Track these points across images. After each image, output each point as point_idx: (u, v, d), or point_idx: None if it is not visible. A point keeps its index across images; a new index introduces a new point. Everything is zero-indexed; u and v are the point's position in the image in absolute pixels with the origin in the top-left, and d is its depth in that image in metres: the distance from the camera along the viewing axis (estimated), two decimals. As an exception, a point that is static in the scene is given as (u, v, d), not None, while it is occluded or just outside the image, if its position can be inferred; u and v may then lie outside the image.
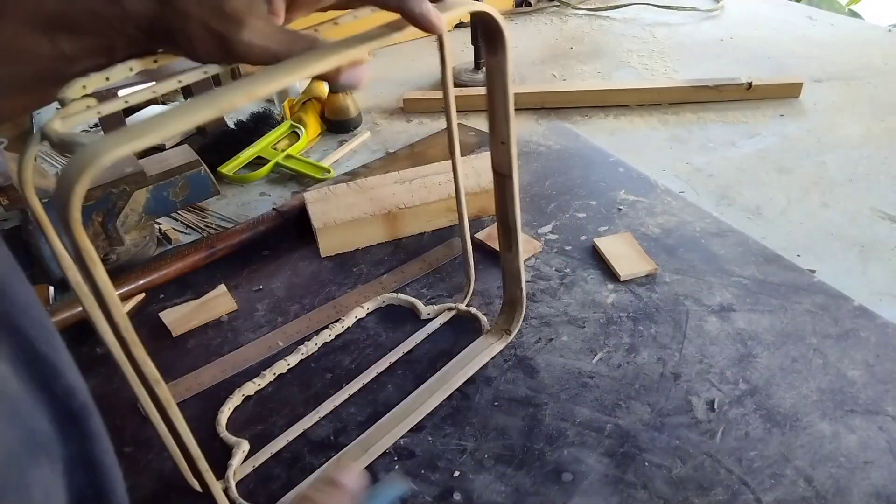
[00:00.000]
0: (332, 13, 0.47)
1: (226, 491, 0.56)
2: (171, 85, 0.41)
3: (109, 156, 0.30)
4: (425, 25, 0.41)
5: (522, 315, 0.69)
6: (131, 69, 0.40)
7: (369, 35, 0.41)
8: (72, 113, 0.37)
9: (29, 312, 0.34)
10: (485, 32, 0.52)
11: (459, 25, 1.68)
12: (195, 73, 0.42)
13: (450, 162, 0.66)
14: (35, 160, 0.98)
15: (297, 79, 0.38)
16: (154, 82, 0.42)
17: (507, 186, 0.61)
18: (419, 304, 0.73)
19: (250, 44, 0.39)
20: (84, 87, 0.38)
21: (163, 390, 0.39)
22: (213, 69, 0.42)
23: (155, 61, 0.41)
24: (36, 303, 0.35)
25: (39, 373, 0.34)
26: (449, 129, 0.63)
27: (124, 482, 0.40)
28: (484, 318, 0.70)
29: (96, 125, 1.26)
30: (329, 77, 0.42)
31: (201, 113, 0.34)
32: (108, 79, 0.39)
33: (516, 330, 0.68)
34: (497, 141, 0.58)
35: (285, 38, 0.40)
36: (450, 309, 0.72)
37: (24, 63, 0.38)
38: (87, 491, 0.36)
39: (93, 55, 0.38)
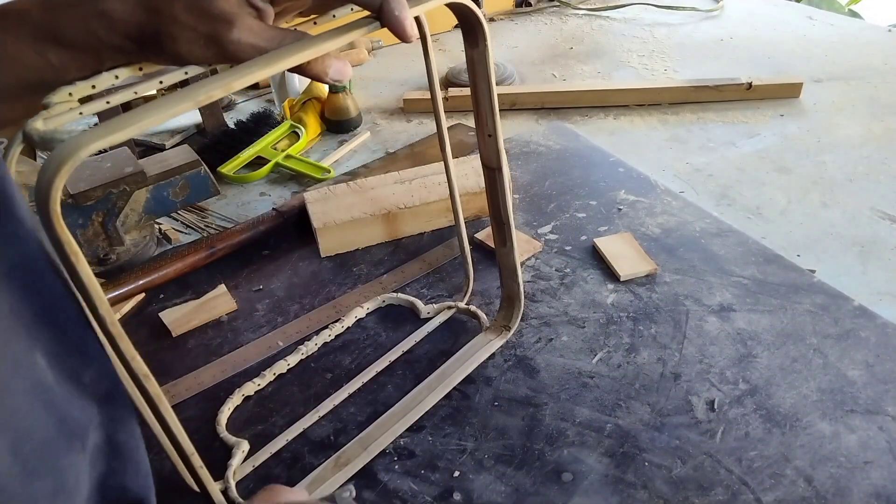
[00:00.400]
0: (313, 16, 0.48)
1: (225, 491, 0.56)
2: (153, 85, 0.42)
3: (88, 149, 0.31)
4: (398, 31, 0.41)
5: (521, 311, 0.69)
6: (117, 77, 0.40)
7: (348, 27, 0.41)
8: (54, 114, 0.38)
9: (66, 305, 0.35)
10: (463, 25, 0.51)
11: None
12: (176, 74, 0.42)
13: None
14: (34, 160, 0.98)
15: (275, 71, 0.38)
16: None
17: (497, 179, 0.61)
18: (419, 303, 0.73)
19: (240, 42, 0.39)
20: (70, 94, 0.39)
21: (152, 385, 0.39)
22: (193, 70, 0.42)
23: (140, 69, 0.41)
24: (71, 294, 0.35)
25: (71, 363, 0.35)
26: (438, 127, 0.63)
27: (149, 463, 0.40)
28: (484, 316, 0.70)
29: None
30: (317, 74, 0.42)
31: (179, 106, 0.34)
32: (94, 87, 0.40)
33: (515, 326, 0.68)
34: (484, 134, 0.58)
35: (274, 34, 0.40)
36: (449, 307, 0.72)
37: (12, 73, 0.39)
38: (108, 480, 0.37)
39: (80, 65, 0.39)
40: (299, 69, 0.41)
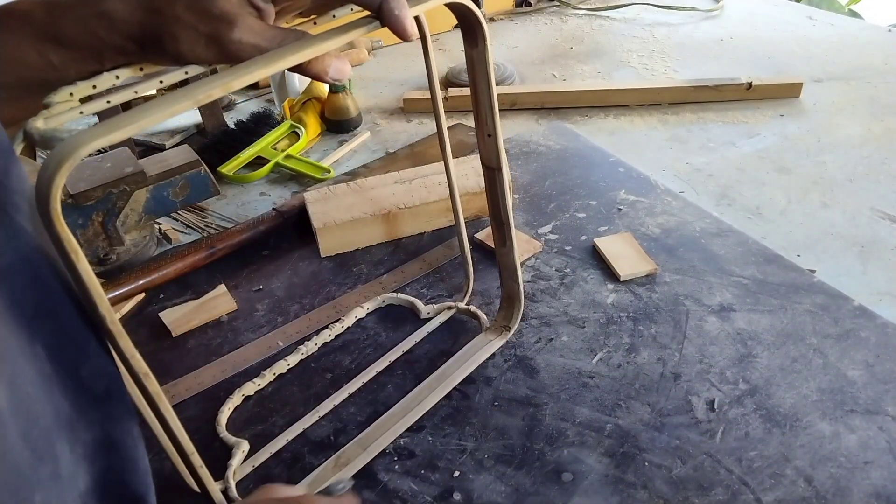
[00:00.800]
0: (313, 17, 0.48)
1: (225, 491, 0.56)
2: (154, 85, 0.42)
3: (88, 148, 0.31)
4: (398, 30, 0.42)
5: (521, 311, 0.69)
6: (118, 77, 0.40)
7: (348, 27, 0.41)
8: (55, 113, 0.38)
9: (64, 301, 0.35)
10: (463, 25, 0.52)
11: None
12: (177, 74, 0.43)
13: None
14: (34, 159, 0.98)
15: (275, 70, 0.38)
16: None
17: (496, 179, 0.61)
18: (419, 303, 0.73)
19: (241, 41, 0.40)
20: (71, 94, 0.39)
21: (152, 383, 0.39)
22: (193, 70, 0.43)
23: (141, 69, 0.42)
24: (72, 291, 0.36)
25: (70, 357, 0.35)
26: (439, 128, 0.63)
27: (148, 462, 0.41)
28: (484, 316, 0.70)
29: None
30: (317, 74, 0.43)
31: (178, 105, 0.34)
32: (94, 87, 0.40)
33: (515, 326, 0.68)
34: (484, 134, 0.58)
35: (275, 34, 0.41)
36: (449, 308, 0.72)
37: (14, 72, 0.39)
38: (108, 476, 0.37)
39: (81, 65, 0.40)
40: (299, 69, 0.42)
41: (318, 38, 0.40)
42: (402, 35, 0.42)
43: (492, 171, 0.61)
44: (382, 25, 0.42)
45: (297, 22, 0.48)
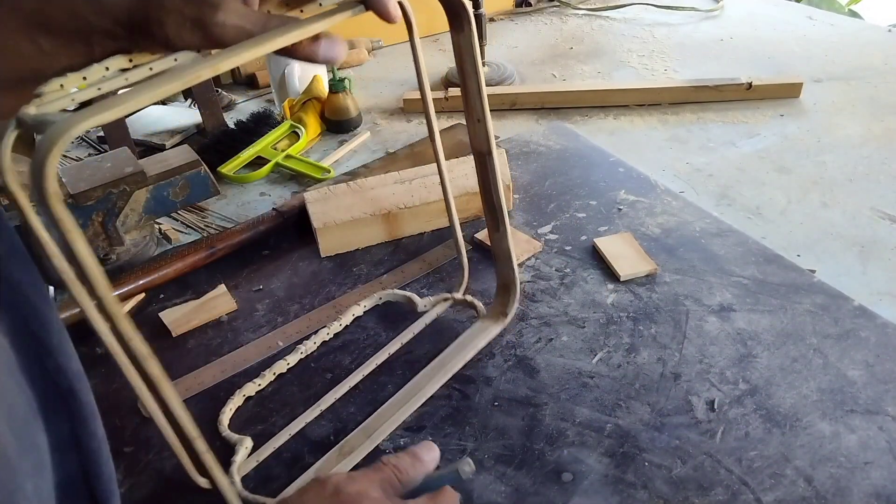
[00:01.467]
0: (299, 7, 0.49)
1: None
2: (143, 73, 0.42)
3: (80, 128, 0.31)
4: (382, 13, 0.42)
5: (517, 297, 0.68)
6: (108, 68, 0.41)
7: (333, 11, 0.42)
8: (46, 101, 0.38)
9: (22, 291, 0.35)
10: (448, 10, 0.52)
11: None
12: (166, 61, 0.43)
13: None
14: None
15: (263, 52, 0.38)
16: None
17: (487, 164, 0.61)
18: (415, 297, 0.73)
19: (225, 25, 0.40)
20: (62, 86, 0.39)
21: (153, 367, 0.39)
22: (183, 56, 0.43)
23: (130, 60, 0.42)
24: (32, 284, 0.36)
25: (32, 350, 0.35)
26: (428, 119, 0.62)
27: (114, 468, 0.41)
28: (481, 305, 0.70)
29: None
30: (306, 54, 0.42)
31: (168, 86, 0.34)
32: (85, 78, 0.40)
33: (512, 312, 0.68)
34: (473, 119, 0.58)
35: (260, 17, 0.41)
36: (445, 299, 0.72)
37: (6, 62, 0.39)
38: (76, 473, 0.38)
39: (71, 51, 0.40)
40: (289, 51, 0.42)
41: (304, 21, 0.40)
42: (387, 18, 0.42)
43: (482, 156, 0.61)
44: (367, 9, 0.42)
45: (282, 11, 0.48)
